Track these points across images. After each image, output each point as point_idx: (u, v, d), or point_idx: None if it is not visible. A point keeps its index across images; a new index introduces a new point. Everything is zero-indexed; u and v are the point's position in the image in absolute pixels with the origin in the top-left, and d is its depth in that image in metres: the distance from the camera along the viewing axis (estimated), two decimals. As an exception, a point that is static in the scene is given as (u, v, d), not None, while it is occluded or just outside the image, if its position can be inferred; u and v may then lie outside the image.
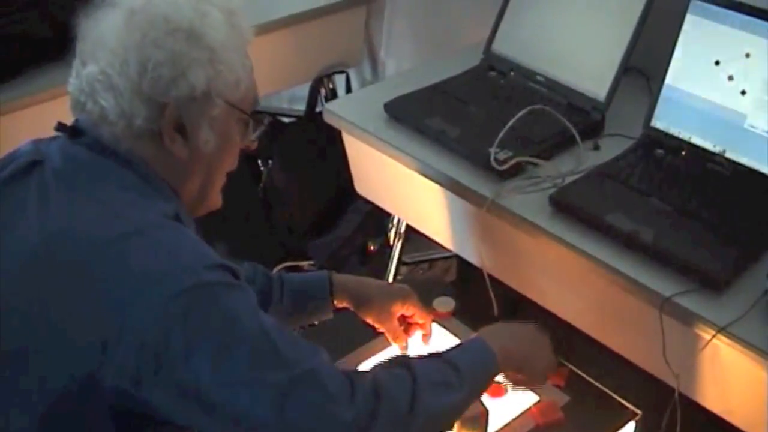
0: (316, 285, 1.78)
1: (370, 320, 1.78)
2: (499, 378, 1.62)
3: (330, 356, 1.34)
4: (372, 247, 2.99)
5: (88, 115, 1.34)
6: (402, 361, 1.44)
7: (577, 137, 1.86)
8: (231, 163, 1.46)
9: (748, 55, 1.77)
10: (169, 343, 1.19)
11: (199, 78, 1.32)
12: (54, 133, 1.38)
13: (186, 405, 1.23)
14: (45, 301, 1.24)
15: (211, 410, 1.23)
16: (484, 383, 1.52)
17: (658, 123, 1.89)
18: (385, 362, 1.45)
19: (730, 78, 1.79)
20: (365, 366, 1.78)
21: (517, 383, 1.66)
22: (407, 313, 1.80)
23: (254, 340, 1.24)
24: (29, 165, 1.35)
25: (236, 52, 1.37)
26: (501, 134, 1.83)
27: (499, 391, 1.71)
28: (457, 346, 1.53)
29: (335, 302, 1.77)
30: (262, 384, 1.23)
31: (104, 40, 1.31)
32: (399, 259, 2.67)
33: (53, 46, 2.19)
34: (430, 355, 1.49)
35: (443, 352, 1.50)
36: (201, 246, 1.30)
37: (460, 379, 1.43)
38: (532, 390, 1.73)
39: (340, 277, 1.78)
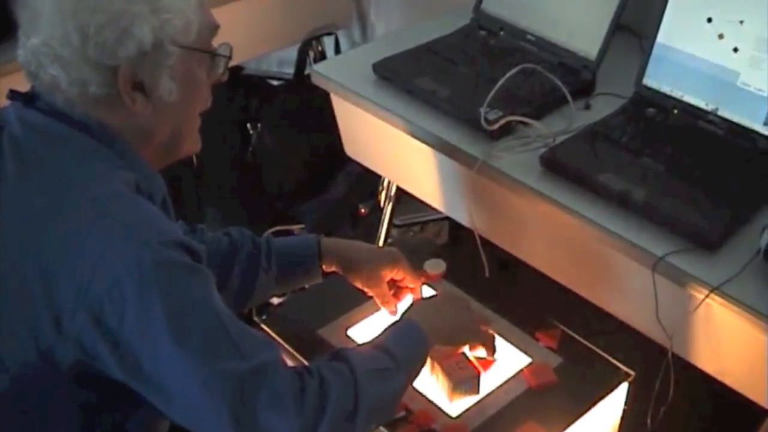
0: (304, 249, 1.76)
1: (359, 284, 1.76)
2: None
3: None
4: (363, 210, 2.98)
5: (41, 83, 1.30)
6: (339, 354, 1.42)
7: (568, 96, 1.84)
8: (202, 103, 1.42)
9: (740, 13, 1.74)
10: (124, 321, 1.18)
11: (144, 32, 1.26)
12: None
13: (140, 384, 1.23)
14: None
15: (162, 392, 1.23)
16: (420, 362, 1.51)
17: (649, 81, 1.87)
18: (323, 357, 1.43)
19: (722, 36, 1.76)
20: (355, 330, 1.79)
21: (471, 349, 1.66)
22: (397, 277, 1.79)
23: (209, 327, 1.23)
24: None
25: None
26: (491, 94, 1.81)
27: (487, 363, 1.70)
28: (387, 331, 1.51)
29: (324, 266, 1.75)
30: (215, 373, 1.22)
31: (41, 11, 1.27)
32: (390, 221, 2.65)
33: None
34: (364, 345, 1.49)
35: (375, 339, 1.49)
36: (160, 221, 1.27)
37: (397, 364, 1.43)
38: (523, 352, 1.74)
39: (328, 241, 1.77)
